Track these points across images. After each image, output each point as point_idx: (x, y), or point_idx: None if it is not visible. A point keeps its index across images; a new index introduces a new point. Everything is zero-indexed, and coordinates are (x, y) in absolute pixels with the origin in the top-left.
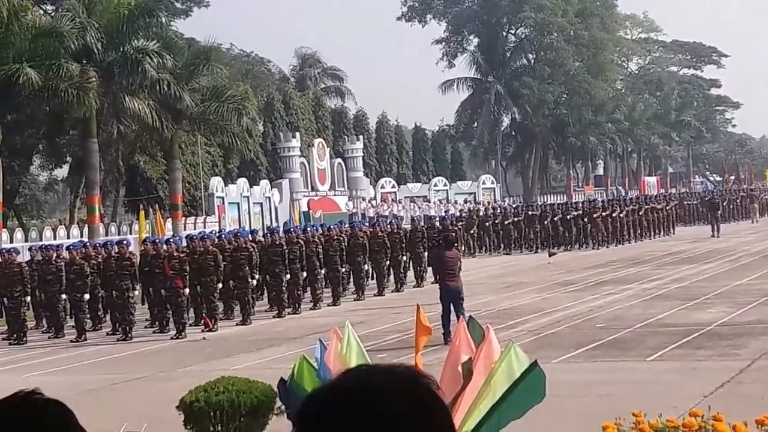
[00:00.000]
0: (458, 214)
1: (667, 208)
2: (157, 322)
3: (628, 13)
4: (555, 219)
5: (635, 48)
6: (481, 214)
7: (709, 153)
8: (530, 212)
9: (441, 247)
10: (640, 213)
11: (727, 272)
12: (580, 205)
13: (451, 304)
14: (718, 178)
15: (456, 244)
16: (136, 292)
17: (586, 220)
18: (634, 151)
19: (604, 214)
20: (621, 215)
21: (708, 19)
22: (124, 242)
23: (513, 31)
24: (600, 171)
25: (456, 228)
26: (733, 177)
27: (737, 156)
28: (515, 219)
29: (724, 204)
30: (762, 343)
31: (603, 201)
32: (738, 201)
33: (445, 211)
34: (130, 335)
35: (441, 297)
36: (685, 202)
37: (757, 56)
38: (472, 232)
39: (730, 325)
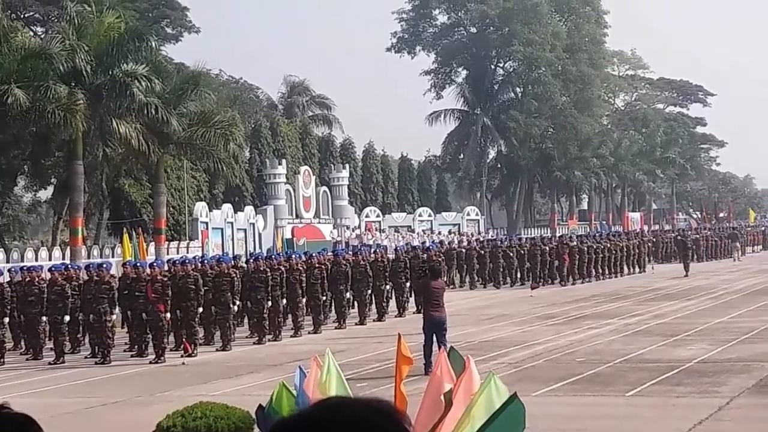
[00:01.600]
0: (440, 245)
1: (640, 245)
2: (136, 346)
3: (615, 49)
4: (522, 252)
5: (622, 84)
6: (450, 246)
7: (693, 190)
8: (497, 245)
9: (427, 277)
10: (611, 250)
11: (708, 309)
12: (549, 240)
13: (434, 335)
14: (703, 215)
15: (442, 275)
16: (114, 316)
17: (553, 256)
18: (619, 186)
19: (571, 249)
20: (590, 252)
21: (695, 58)
22: (104, 266)
23: (501, 65)
24: (584, 205)
25: (440, 259)
26: (709, 215)
27: (721, 194)
28: (481, 251)
29: (700, 242)
30: (741, 380)
31: (571, 236)
32: (715, 239)
33: (430, 241)
34: (108, 359)
35: (424, 327)
36: (661, 240)
37: (743, 96)
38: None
39: (710, 362)
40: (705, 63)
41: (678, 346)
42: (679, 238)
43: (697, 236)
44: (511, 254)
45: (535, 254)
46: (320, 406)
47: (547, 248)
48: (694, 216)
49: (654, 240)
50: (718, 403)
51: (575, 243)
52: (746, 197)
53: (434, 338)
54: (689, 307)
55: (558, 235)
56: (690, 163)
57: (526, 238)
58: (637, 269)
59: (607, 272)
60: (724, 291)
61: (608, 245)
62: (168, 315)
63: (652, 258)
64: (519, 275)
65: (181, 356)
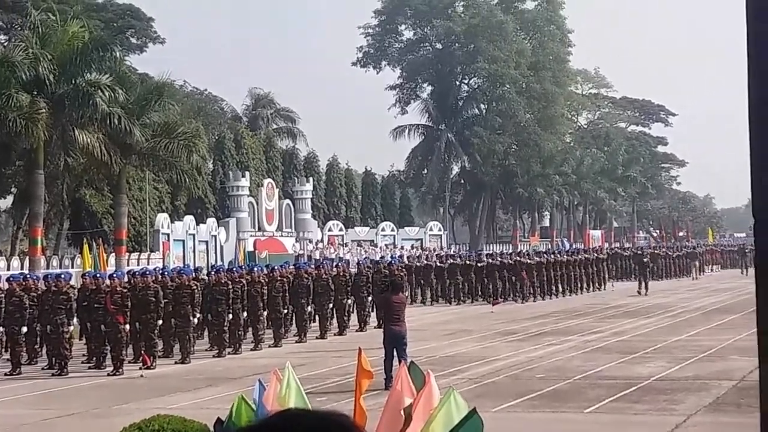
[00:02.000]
0: (405, 260)
1: (599, 262)
2: (94, 358)
3: (579, 68)
4: (480, 267)
5: (585, 103)
6: (409, 261)
7: (654, 209)
8: (452, 261)
9: (388, 291)
10: (570, 267)
11: (667, 327)
12: (506, 256)
13: (395, 349)
14: (661, 234)
15: (404, 289)
16: (72, 327)
17: (511, 272)
18: (581, 204)
19: (529, 266)
20: (548, 268)
21: (657, 79)
22: (63, 276)
23: (466, 81)
24: (546, 222)
25: (402, 273)
26: (668, 234)
27: (681, 213)
28: (438, 265)
29: (658, 260)
30: (698, 398)
31: (529, 253)
32: (674, 258)
33: (391, 256)
34: (65, 370)
35: (384, 341)
36: (619, 257)
37: (704, 116)
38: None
39: (667, 380)
40: (667, 83)
41: (637, 363)
42: (636, 255)
43: (656, 254)
44: (469, 270)
45: (492, 271)
46: (280, 416)
47: (505, 264)
48: (654, 234)
49: (612, 257)
50: (675, 420)
51: (533, 260)
52: (706, 217)
53: (394, 353)
54: (648, 325)
55: (516, 251)
56: (651, 182)
57: (485, 254)
58: (596, 286)
59: (565, 289)
60: (683, 309)
61: (567, 262)
62: (127, 327)
63: (609, 275)
64: (478, 291)
65: (140, 368)
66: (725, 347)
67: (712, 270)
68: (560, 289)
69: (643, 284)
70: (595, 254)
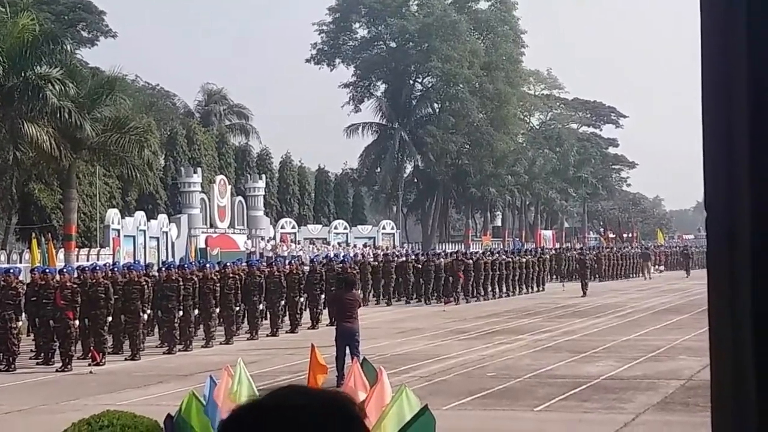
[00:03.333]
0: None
1: (539, 263)
2: (42, 354)
3: (532, 69)
4: (418, 266)
5: (538, 103)
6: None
7: (604, 210)
8: (390, 260)
9: (341, 289)
10: (508, 267)
11: (616, 327)
12: (444, 255)
13: (347, 347)
14: (611, 235)
15: (356, 286)
16: (20, 323)
17: (448, 272)
18: (532, 204)
19: (466, 266)
20: (486, 268)
21: (608, 81)
22: (11, 271)
23: (420, 80)
24: (498, 222)
25: (355, 271)
26: (612, 235)
27: (631, 214)
28: (374, 264)
29: (602, 261)
30: (647, 397)
31: (466, 253)
32: (623, 259)
33: (344, 254)
34: (13, 366)
35: (336, 338)
36: (564, 258)
37: (653, 119)
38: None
39: (616, 378)
40: (618, 85)
41: (586, 362)
42: (578, 256)
43: (599, 255)
44: (408, 270)
45: (429, 270)
46: (272, 394)
47: (442, 264)
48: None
49: (556, 258)
50: (623, 419)
51: (470, 259)
52: (655, 218)
53: (347, 350)
54: (598, 325)
55: (454, 250)
56: (602, 183)
57: (424, 253)
58: (535, 287)
59: (504, 289)
60: (633, 309)
61: (506, 263)
62: (77, 322)
63: (558, 276)
64: (414, 291)
65: (89, 365)
66: (674, 347)
67: (660, 272)
68: (498, 289)
69: (584, 285)
70: (536, 256)
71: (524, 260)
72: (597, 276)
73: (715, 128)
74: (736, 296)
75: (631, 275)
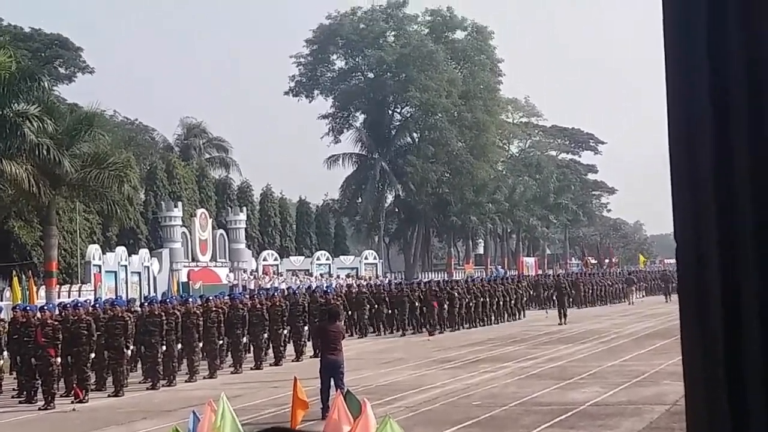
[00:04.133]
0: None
1: (517, 290)
2: (24, 392)
3: (510, 97)
4: (392, 298)
5: (516, 131)
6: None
7: (585, 236)
8: (361, 291)
9: (325, 320)
10: (483, 296)
11: (601, 353)
12: (417, 286)
13: (331, 378)
14: (593, 261)
15: (340, 318)
16: (2, 361)
17: (421, 302)
18: (514, 231)
19: (440, 295)
20: (461, 298)
21: (586, 108)
22: None
23: (399, 110)
24: (481, 250)
25: (338, 302)
26: (593, 260)
27: (612, 240)
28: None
29: (580, 287)
30: (632, 423)
31: (440, 282)
32: (605, 284)
33: (326, 285)
34: None
35: (321, 370)
36: (542, 285)
37: (632, 145)
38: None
39: (602, 405)
40: (595, 112)
41: (571, 389)
42: (555, 282)
43: (578, 281)
44: (380, 300)
45: (402, 300)
46: None
47: (416, 294)
48: (592, 261)
49: (535, 285)
50: None
51: (444, 289)
52: (636, 243)
53: (331, 382)
54: (582, 351)
55: (426, 280)
56: (582, 209)
57: (396, 284)
58: (516, 315)
59: (480, 318)
60: (616, 335)
61: (482, 291)
62: (59, 360)
63: (537, 303)
64: (384, 322)
65: (72, 402)
66: (658, 372)
67: (641, 297)
68: (474, 318)
69: (562, 313)
70: (513, 284)
71: (501, 288)
72: (576, 303)
73: (680, 147)
74: (706, 318)
75: (612, 301)
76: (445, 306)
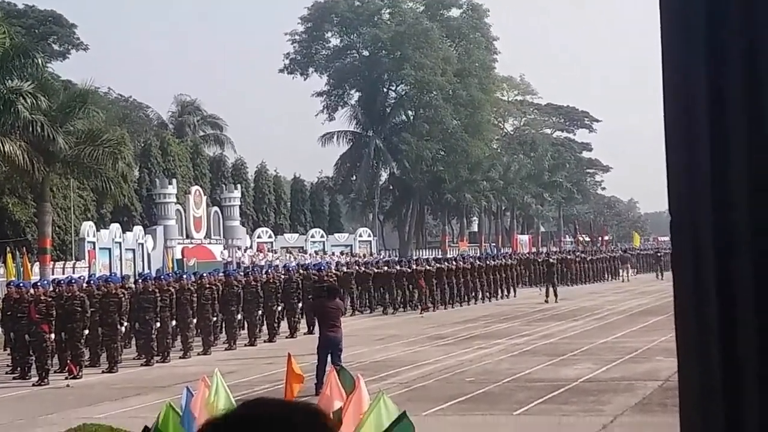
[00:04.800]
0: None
1: (506, 269)
2: (18, 368)
3: (505, 75)
4: (377, 274)
5: (511, 109)
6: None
7: (580, 214)
8: (346, 270)
9: (324, 297)
10: (471, 274)
11: (594, 330)
12: (404, 264)
13: (329, 355)
14: (587, 239)
15: (340, 295)
16: None
17: (405, 280)
18: (508, 209)
19: (427, 273)
20: (448, 276)
21: (581, 86)
22: None
23: (393, 88)
24: (475, 228)
25: (332, 279)
26: (587, 238)
27: (606, 218)
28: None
29: (572, 265)
30: (625, 399)
31: (427, 260)
32: (594, 261)
33: (321, 262)
34: None
35: (319, 347)
36: (531, 264)
37: (627, 123)
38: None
39: (595, 381)
40: (590, 90)
41: (564, 365)
42: (543, 261)
43: (569, 259)
44: (367, 279)
45: (389, 278)
46: (246, 405)
47: (403, 272)
48: (585, 239)
49: (525, 263)
50: (602, 421)
51: (432, 267)
52: (630, 221)
53: (328, 359)
54: (575, 328)
55: (415, 257)
56: (576, 187)
57: (383, 262)
58: (501, 294)
59: (468, 298)
60: (609, 312)
61: (469, 269)
62: (52, 336)
63: (528, 282)
64: (367, 301)
65: (66, 378)
66: (651, 348)
67: (635, 274)
68: (461, 297)
69: (552, 291)
70: (502, 260)
71: (491, 266)
72: (567, 280)
73: (676, 136)
74: (702, 300)
75: (603, 279)
76: (434, 284)
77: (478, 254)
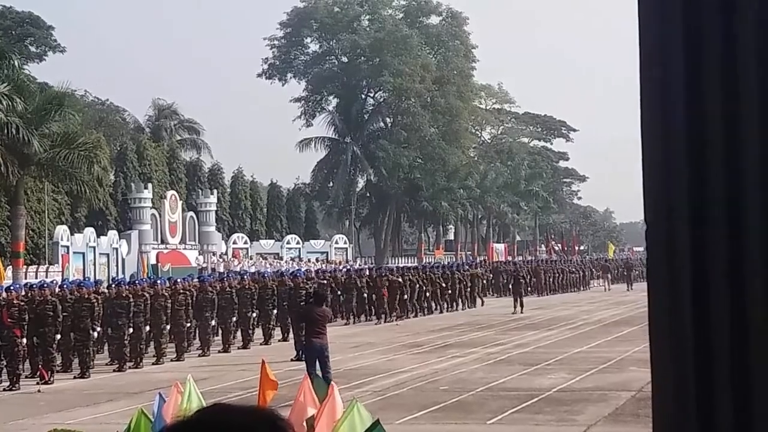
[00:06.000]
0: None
1: (472, 278)
2: None
3: (483, 83)
4: (340, 285)
5: (489, 117)
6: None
7: (556, 223)
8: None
9: (311, 304)
10: (436, 283)
11: (568, 339)
12: (367, 272)
13: (317, 363)
14: (557, 248)
15: (326, 302)
16: None
17: (370, 290)
18: (484, 217)
19: (391, 283)
20: (412, 285)
21: (559, 95)
22: None
23: (371, 95)
24: (451, 236)
25: (307, 286)
26: (559, 247)
27: (582, 227)
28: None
29: (541, 275)
30: (598, 409)
31: (392, 270)
32: (567, 271)
33: (298, 269)
34: None
35: (305, 354)
36: (501, 272)
37: (604, 133)
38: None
39: (568, 391)
40: (568, 100)
41: (538, 375)
42: (512, 272)
43: (537, 268)
44: (331, 287)
45: (350, 288)
46: (205, 411)
47: (365, 281)
48: (556, 248)
49: (494, 272)
50: (575, 431)
51: (395, 276)
52: (606, 231)
53: (317, 365)
54: (550, 337)
55: (379, 266)
56: (553, 196)
57: (345, 270)
58: (467, 304)
59: (433, 307)
60: (584, 322)
61: (434, 278)
62: (24, 340)
63: (496, 291)
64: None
65: (37, 383)
66: (624, 359)
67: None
68: (426, 306)
69: (518, 302)
70: (468, 271)
71: (456, 275)
72: (536, 290)
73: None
74: (676, 307)
75: (573, 289)
76: (397, 294)
77: (455, 262)
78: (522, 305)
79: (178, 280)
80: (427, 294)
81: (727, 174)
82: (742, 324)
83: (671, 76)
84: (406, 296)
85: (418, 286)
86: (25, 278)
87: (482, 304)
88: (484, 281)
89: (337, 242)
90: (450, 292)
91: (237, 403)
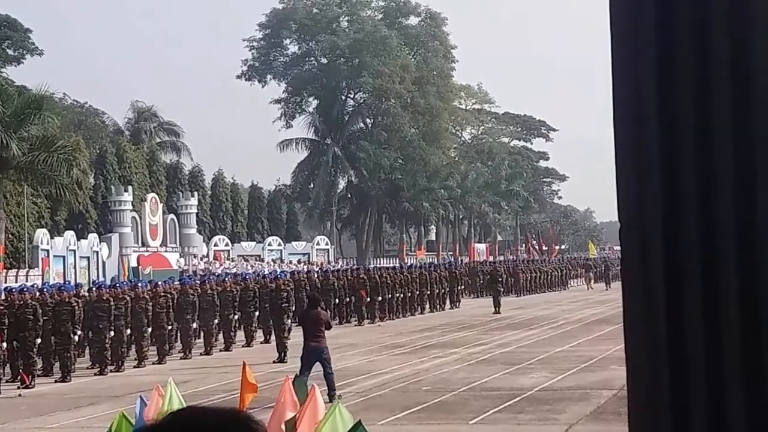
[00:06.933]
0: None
1: (451, 279)
2: None
3: (463, 83)
4: (316, 287)
5: (469, 118)
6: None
7: (537, 223)
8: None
9: (307, 307)
10: (414, 284)
11: (549, 339)
12: (344, 274)
13: (317, 364)
14: (544, 248)
15: (319, 304)
16: None
17: (348, 291)
18: (466, 217)
19: (370, 284)
20: (391, 288)
21: (538, 95)
22: None
23: (351, 95)
24: (432, 236)
25: (289, 288)
26: (539, 246)
27: (562, 227)
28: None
29: (519, 275)
30: (580, 408)
31: (368, 270)
32: (545, 271)
33: (280, 271)
34: None
35: (303, 357)
36: (479, 272)
37: (583, 132)
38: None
39: (550, 390)
40: (547, 100)
41: (520, 374)
42: (490, 271)
43: (516, 268)
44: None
45: (328, 289)
46: (178, 414)
47: (343, 282)
48: (536, 248)
49: (471, 273)
50: (557, 430)
51: (373, 277)
52: (586, 230)
53: (313, 368)
54: (531, 337)
55: (356, 266)
56: (533, 196)
57: (323, 271)
58: (447, 305)
59: (412, 309)
60: (565, 321)
61: (411, 279)
62: (4, 345)
63: (473, 292)
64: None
65: (18, 388)
66: (605, 357)
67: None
68: (406, 308)
69: (497, 302)
70: (447, 271)
71: (434, 276)
72: (515, 290)
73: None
74: (650, 307)
75: (551, 289)
76: (377, 295)
77: (435, 263)
78: (499, 305)
79: (159, 283)
80: (409, 294)
81: (698, 176)
82: (716, 323)
83: (642, 81)
84: (386, 296)
85: (396, 286)
86: (5, 282)
87: (458, 306)
88: (462, 285)
89: (318, 243)
90: (429, 292)
91: (218, 405)
